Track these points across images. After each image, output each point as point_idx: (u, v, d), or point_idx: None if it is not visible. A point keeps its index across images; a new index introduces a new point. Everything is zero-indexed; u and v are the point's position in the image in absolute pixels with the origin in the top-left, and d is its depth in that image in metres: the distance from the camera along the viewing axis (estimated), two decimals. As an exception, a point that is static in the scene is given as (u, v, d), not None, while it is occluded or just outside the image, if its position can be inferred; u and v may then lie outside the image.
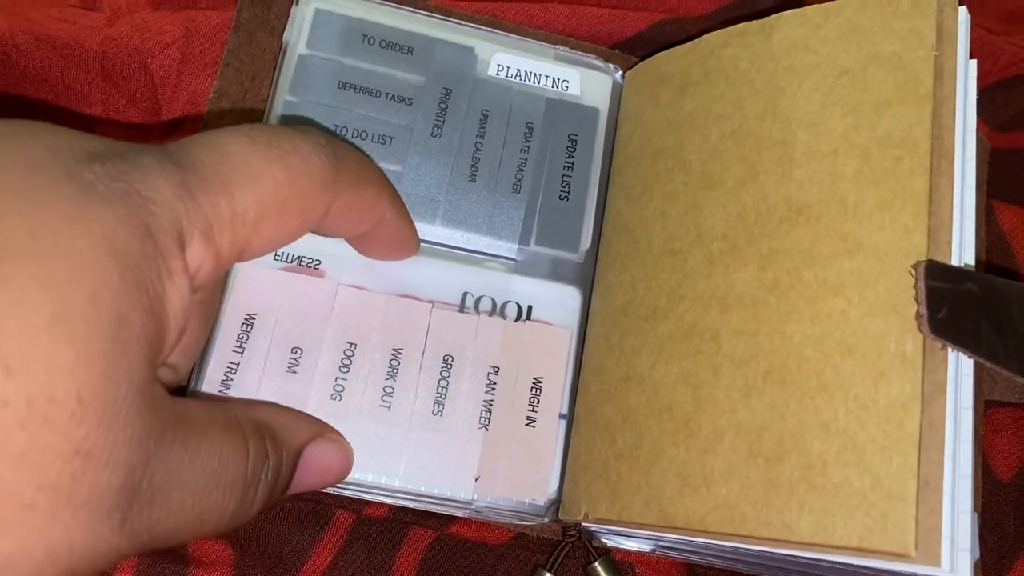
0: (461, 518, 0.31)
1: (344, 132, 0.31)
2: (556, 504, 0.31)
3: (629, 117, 0.34)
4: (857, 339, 0.25)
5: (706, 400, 0.28)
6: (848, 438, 0.25)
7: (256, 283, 0.29)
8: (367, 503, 0.31)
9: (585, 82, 0.34)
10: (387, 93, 0.32)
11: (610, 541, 0.31)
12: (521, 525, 0.31)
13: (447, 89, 0.33)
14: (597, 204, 0.34)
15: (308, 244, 0.30)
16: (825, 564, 0.25)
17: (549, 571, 0.31)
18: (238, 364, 0.29)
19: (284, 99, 0.31)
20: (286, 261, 0.30)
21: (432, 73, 0.33)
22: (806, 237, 0.27)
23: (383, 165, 0.31)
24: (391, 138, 0.32)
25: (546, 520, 0.31)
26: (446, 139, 0.32)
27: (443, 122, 0.32)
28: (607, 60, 0.35)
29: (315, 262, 0.30)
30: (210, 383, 0.28)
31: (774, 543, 0.25)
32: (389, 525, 0.31)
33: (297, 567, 0.31)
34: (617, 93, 0.35)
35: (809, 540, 0.25)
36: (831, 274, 0.26)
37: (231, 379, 0.28)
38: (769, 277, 0.28)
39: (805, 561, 0.26)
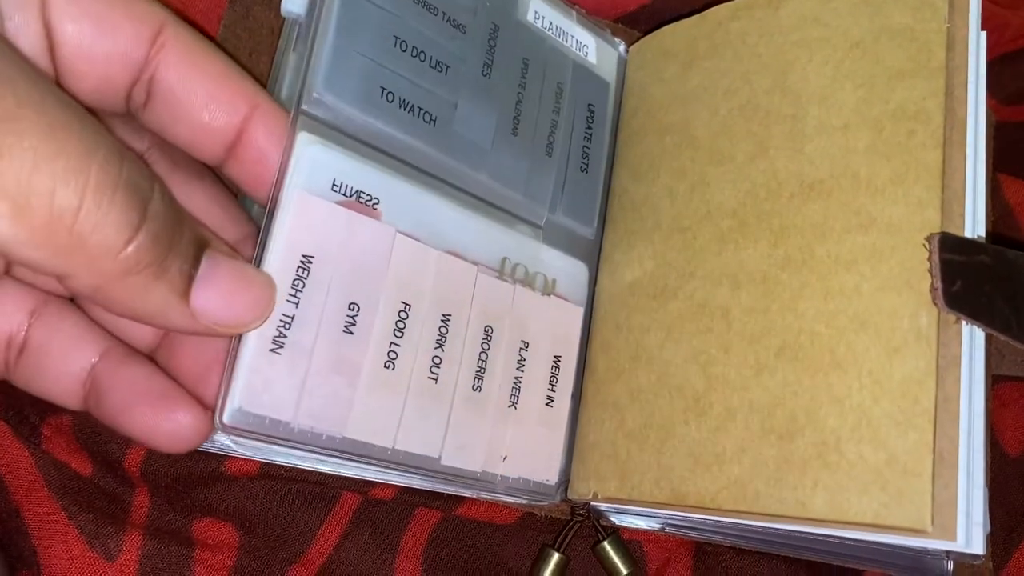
0: (468, 498, 0.31)
1: (404, 48, 0.28)
2: (564, 484, 0.30)
3: (634, 92, 0.34)
4: (871, 314, 0.25)
5: (717, 378, 0.27)
6: (863, 414, 0.25)
7: (312, 217, 0.25)
8: (373, 484, 0.30)
9: (600, 52, 0.34)
10: (443, 12, 0.29)
11: (619, 520, 0.31)
12: (531, 505, 0.31)
13: (494, 24, 0.30)
14: (604, 180, 0.33)
15: (369, 178, 0.26)
16: (838, 540, 0.25)
17: (557, 550, 0.31)
18: (292, 318, 0.24)
19: None
20: (345, 194, 0.26)
21: (479, 1, 0.30)
22: (818, 212, 0.27)
23: (440, 93, 0.28)
24: (447, 66, 0.29)
25: (556, 500, 0.30)
26: (495, 81, 0.30)
27: (492, 61, 0.30)
28: (612, 33, 0.34)
29: (374, 200, 0.26)
30: (260, 338, 0.24)
31: (788, 520, 0.25)
32: (396, 506, 0.31)
33: (303, 548, 0.30)
34: (622, 68, 0.34)
35: (824, 517, 0.24)
36: (844, 249, 0.26)
37: (284, 335, 0.24)
38: (780, 253, 0.27)
39: (818, 537, 0.26)
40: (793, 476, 0.25)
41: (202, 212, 0.26)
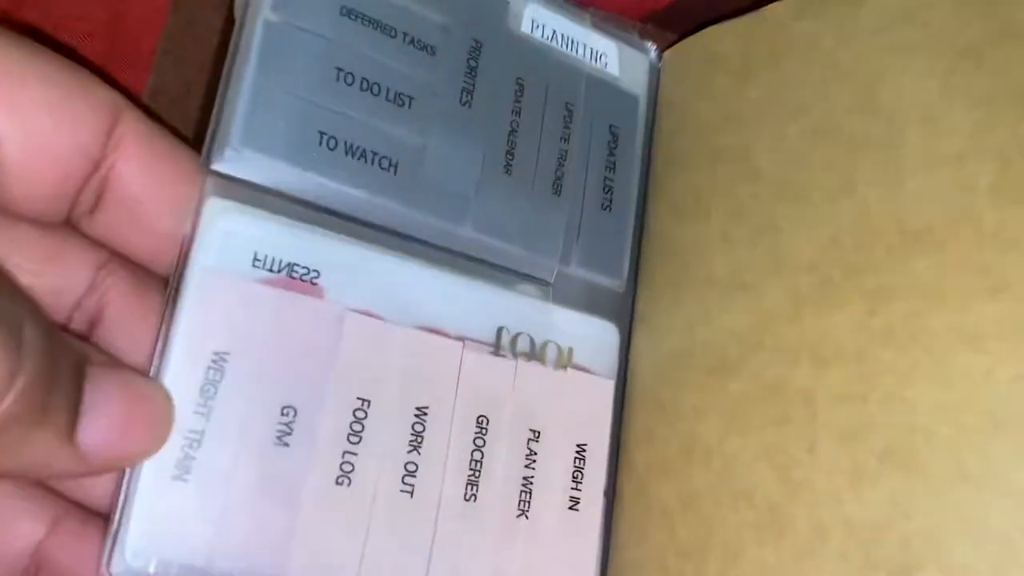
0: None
1: (349, 81, 0.23)
2: (598, 609, 0.24)
3: (672, 109, 0.28)
4: (1009, 410, 0.19)
5: (800, 485, 0.21)
6: (1007, 546, 0.19)
7: (225, 303, 0.20)
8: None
9: (624, 60, 0.28)
10: (404, 33, 0.24)
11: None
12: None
13: (477, 42, 0.25)
14: (636, 218, 0.27)
15: (304, 246, 0.22)
16: None
17: None
18: (202, 434, 0.20)
19: (264, 18, 0.22)
20: (271, 270, 0.21)
21: (458, 15, 0.25)
22: (928, 271, 0.21)
23: (401, 136, 0.23)
24: (410, 98, 0.23)
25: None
26: (477, 111, 0.24)
27: (473, 87, 0.25)
28: (640, 36, 0.28)
29: (312, 274, 0.22)
30: (158, 463, 0.19)
31: None
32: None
33: None
34: (655, 78, 0.28)
35: None
36: (967, 320, 0.20)
37: (192, 457, 0.19)
38: (879, 323, 0.21)
39: None
40: (912, 625, 0.19)
41: None
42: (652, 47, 0.28)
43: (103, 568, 0.19)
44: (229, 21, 0.23)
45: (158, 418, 0.19)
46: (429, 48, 0.24)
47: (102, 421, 0.18)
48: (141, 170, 0.20)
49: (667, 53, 0.28)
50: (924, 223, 0.21)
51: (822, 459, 0.21)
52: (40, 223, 0.20)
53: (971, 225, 0.21)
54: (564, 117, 0.26)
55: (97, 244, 0.21)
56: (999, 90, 0.21)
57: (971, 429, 0.20)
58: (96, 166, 0.20)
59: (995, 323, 0.20)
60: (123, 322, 0.21)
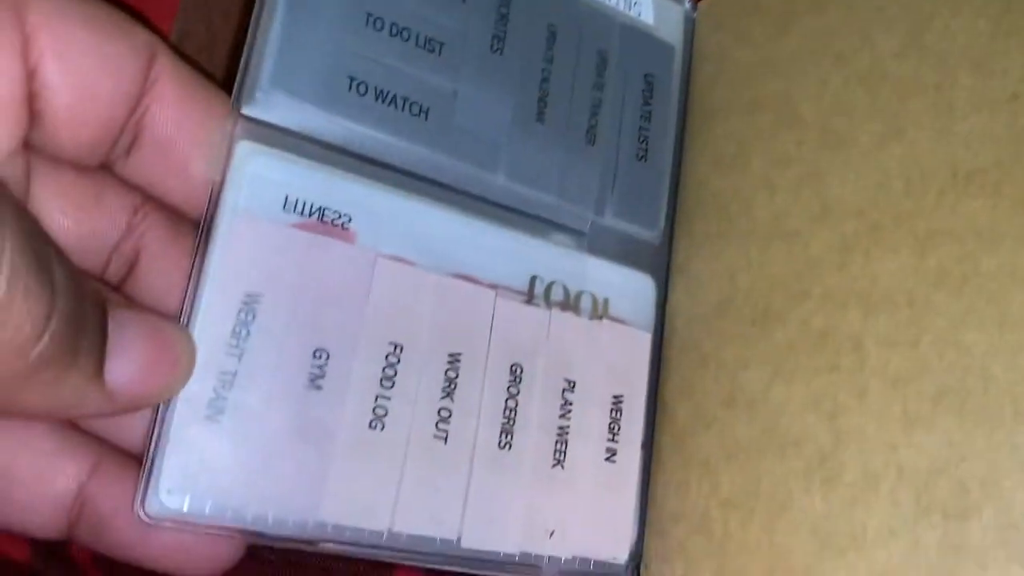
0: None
1: (379, 26, 0.22)
2: (636, 560, 0.24)
3: (710, 58, 0.27)
4: (1068, 351, 0.19)
5: (850, 432, 0.21)
6: (1068, 487, 0.18)
7: (259, 245, 0.20)
8: (392, 568, 0.24)
9: (659, 8, 0.27)
10: None
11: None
12: (592, 589, 0.24)
13: None
14: (672, 169, 0.26)
15: (335, 191, 0.21)
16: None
17: (624, 642, 0.24)
18: (234, 375, 0.19)
19: None
20: (302, 214, 0.21)
21: None
22: (982, 212, 0.20)
23: (432, 81, 0.23)
24: (441, 44, 0.23)
25: (625, 583, 0.24)
26: (508, 57, 0.24)
27: (504, 33, 0.24)
28: (675, -13, 0.28)
29: (343, 218, 0.21)
30: (190, 403, 0.19)
31: (962, 631, 0.19)
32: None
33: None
34: (690, 28, 0.27)
35: (1018, 630, 0.18)
36: (1023, 261, 0.20)
37: (224, 397, 0.19)
38: (931, 267, 0.21)
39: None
40: (969, 571, 0.19)
41: None
42: (685, -4, 0.28)
43: (137, 507, 0.19)
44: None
45: (180, 357, 0.19)
46: (461, -7, 0.23)
47: (127, 361, 0.18)
48: (175, 111, 0.20)
49: (703, 3, 0.28)
50: (977, 165, 0.21)
51: (873, 405, 0.21)
52: (80, 167, 0.20)
53: (1026, 165, 0.20)
54: (597, 65, 0.25)
55: (132, 187, 0.21)
56: (1055, 27, 0.21)
57: (1029, 371, 0.19)
58: (135, 107, 0.20)
59: (1052, 263, 0.19)
60: (159, 265, 0.21)
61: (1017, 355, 0.19)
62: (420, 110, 0.22)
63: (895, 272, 0.21)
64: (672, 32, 0.27)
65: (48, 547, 0.23)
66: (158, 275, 0.21)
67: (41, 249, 0.15)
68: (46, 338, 0.15)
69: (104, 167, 0.21)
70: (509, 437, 0.22)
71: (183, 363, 0.19)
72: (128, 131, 0.20)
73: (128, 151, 0.20)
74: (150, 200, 0.21)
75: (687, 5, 0.28)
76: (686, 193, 0.26)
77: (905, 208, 0.22)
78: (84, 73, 0.18)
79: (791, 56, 0.25)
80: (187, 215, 0.21)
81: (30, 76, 0.18)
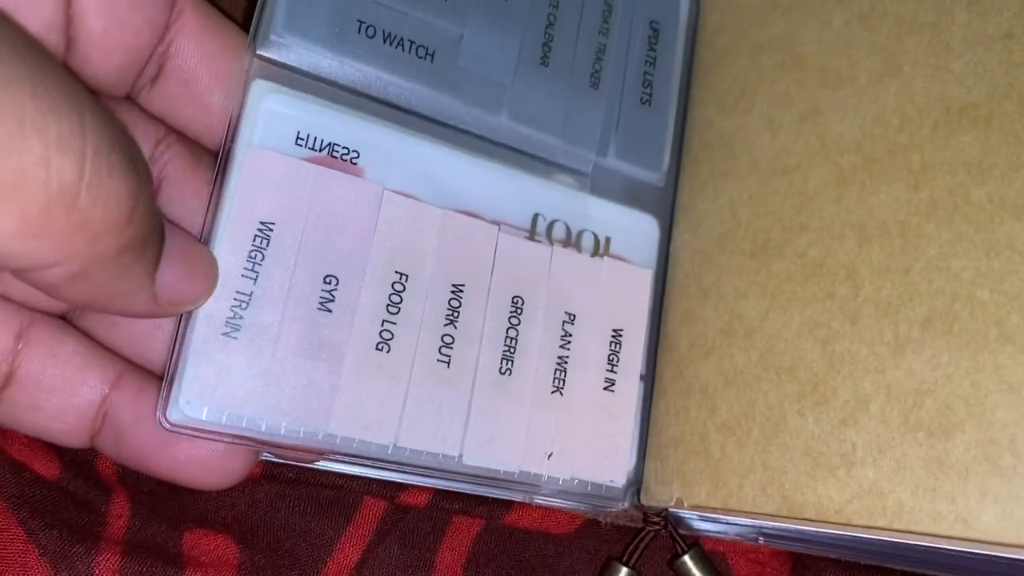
0: (515, 503, 0.25)
1: None
2: (635, 485, 0.25)
3: (718, 4, 0.28)
4: (1052, 275, 0.19)
5: (842, 357, 0.22)
6: (1047, 404, 0.19)
7: (272, 176, 0.21)
8: (401, 488, 0.25)
9: (668, -43, 0.28)
10: None
11: (702, 527, 0.25)
12: (595, 511, 0.25)
13: None
14: (676, 113, 0.27)
15: (344, 128, 0.23)
16: (1013, 561, 0.20)
17: (626, 565, 0.25)
18: (250, 296, 0.21)
19: None
20: (313, 148, 0.22)
21: None
22: (973, 145, 0.21)
23: (438, 25, 0.24)
24: None
25: (625, 505, 0.25)
26: (514, 2, 0.25)
27: None
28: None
29: (352, 154, 0.23)
30: (209, 321, 0.20)
31: (945, 540, 0.19)
32: (429, 514, 0.25)
33: (318, 566, 0.25)
34: (697, -25, 0.28)
35: (995, 539, 0.19)
36: (1011, 191, 0.20)
37: (240, 316, 0.21)
38: (924, 198, 0.21)
39: (982, 555, 0.20)
40: (951, 484, 0.20)
41: None
42: (693, -57, 0.28)
43: (159, 415, 0.20)
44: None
45: (209, 272, 0.20)
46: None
47: (175, 267, 0.19)
48: (198, 43, 0.21)
49: (712, -49, 0.28)
50: (970, 100, 0.21)
51: (865, 331, 0.22)
52: (106, 96, 0.21)
53: (1016, 99, 0.21)
54: (603, 12, 0.26)
55: (154, 119, 0.22)
56: (1049, -34, 0.21)
57: (1014, 294, 0.20)
58: (161, 38, 0.21)
59: (1039, 192, 0.20)
60: (180, 193, 0.22)
61: (1003, 280, 0.20)
62: (426, 52, 0.23)
63: (889, 203, 0.22)
64: (678, -22, 0.28)
65: (76, 464, 0.24)
66: (179, 203, 0.22)
67: (121, 132, 0.16)
68: (135, 221, 0.16)
69: (128, 99, 0.22)
70: (510, 364, 0.24)
71: (212, 277, 0.21)
72: (153, 62, 0.21)
73: (152, 82, 0.21)
74: (172, 132, 0.22)
75: (693, -50, 0.28)
76: (692, 135, 0.27)
77: (900, 142, 0.22)
78: (120, 13, 0.19)
79: (793, 0, 0.25)
80: (206, 144, 0.23)
81: (68, 4, 0.19)
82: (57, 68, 0.15)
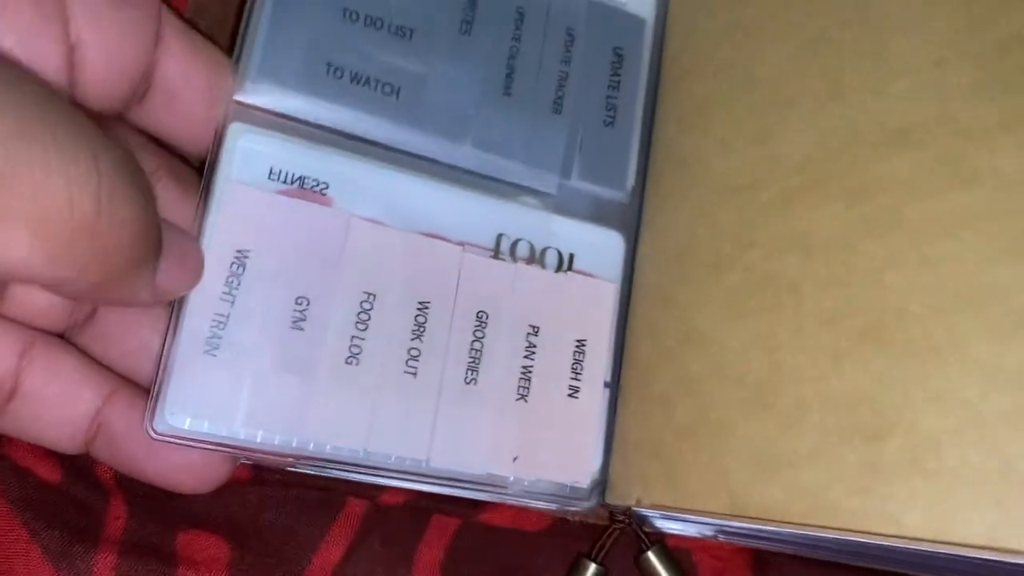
0: (491, 503, 0.27)
1: (354, 18, 0.25)
2: (601, 486, 0.26)
3: (679, 28, 0.29)
4: (976, 289, 0.21)
5: (786, 366, 0.23)
6: (969, 411, 0.20)
7: (248, 209, 0.24)
8: (381, 489, 0.26)
9: (632, -16, 0.29)
10: None
11: (665, 526, 0.27)
12: (562, 511, 0.27)
13: None
14: (642, 133, 0.28)
15: (314, 162, 0.25)
16: (940, 556, 0.21)
17: (594, 561, 0.27)
18: (227, 316, 0.23)
19: None
20: (285, 182, 0.24)
21: None
22: (907, 166, 0.22)
23: (402, 64, 0.25)
24: (412, 31, 0.26)
25: (591, 504, 0.26)
26: (476, 39, 0.26)
27: (473, 17, 0.26)
28: (649, -39, 0.30)
29: (322, 186, 0.25)
30: (191, 339, 0.23)
31: (876, 537, 0.21)
32: (408, 512, 0.27)
33: (304, 563, 0.26)
34: (664, 2, 0.29)
35: (921, 535, 0.20)
36: (941, 210, 0.22)
37: (219, 335, 0.23)
38: (862, 215, 0.23)
39: (913, 551, 0.21)
40: (882, 486, 0.21)
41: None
42: (659, -29, 0.30)
43: (147, 425, 0.22)
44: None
45: (201, 262, 0.23)
46: (431, -18, 0.26)
47: (172, 264, 0.21)
48: (181, 63, 0.23)
49: (675, -23, 0.30)
50: (905, 123, 0.23)
51: (806, 341, 0.23)
52: (100, 116, 0.23)
53: (947, 123, 0.22)
54: (565, 42, 0.28)
55: (149, 147, 0.24)
56: (977, -4, 0.23)
57: (942, 307, 0.21)
58: (149, 62, 0.22)
59: (967, 211, 0.21)
60: (170, 218, 0.24)
61: (931, 294, 0.21)
62: (392, 90, 0.25)
63: (830, 221, 0.23)
64: (645, 5, 0.29)
65: (76, 470, 0.26)
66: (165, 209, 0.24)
67: (128, 158, 0.18)
68: (144, 238, 0.19)
69: (119, 117, 0.23)
70: (475, 374, 0.25)
71: (201, 266, 0.23)
72: (143, 82, 0.23)
73: (140, 99, 0.23)
74: (162, 167, 0.24)
75: (660, -20, 0.30)
76: (656, 153, 0.28)
77: (841, 163, 0.24)
78: (111, 40, 0.21)
79: (750, 25, 0.27)
80: (190, 155, 0.25)
81: (71, 49, 0.20)
82: (71, 111, 0.17)
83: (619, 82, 0.28)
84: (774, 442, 0.23)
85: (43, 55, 0.20)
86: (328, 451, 0.23)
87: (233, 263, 0.23)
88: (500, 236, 0.26)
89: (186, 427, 0.22)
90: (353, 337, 0.24)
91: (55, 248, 0.17)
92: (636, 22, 0.29)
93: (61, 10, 0.20)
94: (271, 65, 0.24)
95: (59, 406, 0.22)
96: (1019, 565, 0.20)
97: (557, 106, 0.27)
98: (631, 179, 0.28)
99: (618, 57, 0.28)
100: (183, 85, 0.23)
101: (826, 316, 0.23)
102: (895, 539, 0.21)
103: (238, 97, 0.24)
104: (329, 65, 0.25)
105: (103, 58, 0.21)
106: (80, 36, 0.20)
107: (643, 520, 0.27)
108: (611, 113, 0.28)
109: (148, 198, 0.19)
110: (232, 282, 0.23)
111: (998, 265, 0.21)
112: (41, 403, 0.22)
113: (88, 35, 0.21)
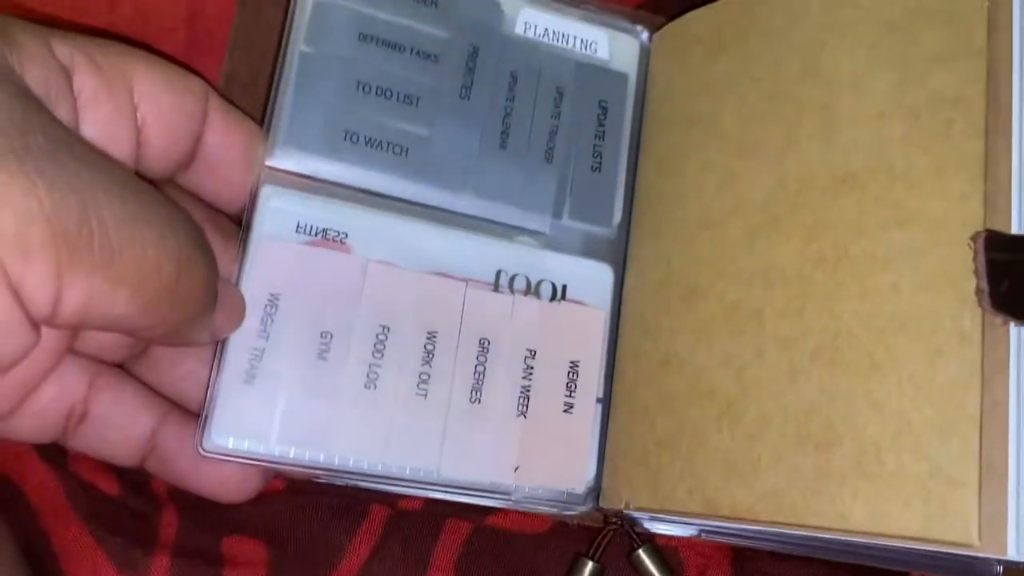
0: (498, 508, 0.30)
1: (367, 90, 0.29)
2: (596, 491, 0.30)
3: (658, 82, 0.32)
4: (910, 315, 0.24)
5: (751, 383, 0.26)
6: (904, 421, 0.23)
7: (278, 259, 0.27)
8: (400, 497, 0.30)
9: (614, 44, 0.32)
10: (411, 48, 0.30)
11: (653, 527, 0.30)
12: (561, 515, 0.30)
13: (474, 47, 0.30)
14: (627, 175, 0.32)
15: (334, 216, 0.28)
16: (883, 547, 0.24)
17: (592, 559, 0.30)
18: (263, 351, 0.27)
19: (299, 50, 0.29)
20: (310, 234, 0.28)
21: (457, 28, 0.30)
22: (852, 207, 0.26)
23: (409, 128, 0.29)
24: (418, 98, 0.29)
25: (586, 508, 0.30)
26: (475, 101, 0.30)
27: (471, 83, 0.30)
28: (632, 21, 0.33)
29: (342, 235, 0.28)
30: (233, 372, 0.26)
31: (827, 531, 0.24)
32: (425, 517, 0.30)
33: (334, 563, 0.30)
34: (645, 56, 0.33)
35: (865, 529, 0.23)
36: (880, 247, 0.25)
37: (256, 367, 0.26)
38: (814, 251, 0.26)
39: (861, 543, 0.25)
40: (832, 487, 0.24)
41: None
42: (642, 30, 0.33)
43: (197, 444, 0.26)
44: (287, 14, 0.29)
45: (243, 309, 0.27)
46: (432, 57, 0.30)
47: (224, 311, 0.25)
48: (222, 136, 0.27)
49: (656, 35, 0.33)
50: (850, 169, 0.26)
51: (768, 361, 0.26)
52: (157, 181, 0.27)
53: (885, 170, 0.25)
54: (555, 99, 0.31)
55: (190, 193, 0.27)
56: (912, 58, 0.26)
57: (881, 331, 0.24)
58: (197, 136, 0.26)
59: (902, 248, 0.24)
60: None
61: (873, 319, 0.24)
62: (401, 150, 0.29)
63: (788, 255, 0.26)
64: (627, 61, 0.32)
65: (133, 484, 0.29)
66: None
67: (198, 232, 0.22)
68: (207, 292, 0.23)
69: (170, 181, 0.27)
70: (479, 394, 0.29)
71: (244, 313, 0.27)
72: (191, 153, 0.27)
73: (187, 167, 0.27)
74: (209, 215, 0.28)
75: (643, 38, 0.33)
76: (639, 194, 0.32)
77: (797, 203, 0.27)
78: (170, 123, 0.25)
79: (719, 79, 0.30)
80: (228, 211, 0.28)
81: (138, 131, 0.24)
82: (154, 194, 0.21)
83: (604, 132, 0.31)
84: (741, 450, 0.26)
85: (118, 140, 0.23)
86: (351, 465, 0.27)
87: (267, 305, 0.27)
88: (499, 272, 0.30)
89: (230, 446, 0.26)
90: (371, 365, 0.28)
91: (145, 304, 0.20)
92: (619, 78, 0.32)
93: (130, 99, 0.24)
94: (296, 134, 0.28)
95: (121, 428, 0.26)
96: (948, 553, 0.23)
97: (548, 155, 0.31)
98: (618, 216, 0.31)
99: (603, 109, 0.32)
100: (223, 154, 0.27)
101: (784, 339, 0.26)
102: (843, 533, 0.24)
103: (268, 162, 0.28)
104: (346, 132, 0.28)
105: (163, 137, 0.25)
106: (145, 120, 0.24)
107: (634, 522, 0.30)
108: (598, 159, 0.31)
109: (211, 259, 0.23)
110: (266, 321, 0.27)
111: (928, 294, 0.24)
112: (107, 425, 0.26)
113: (151, 119, 0.24)
